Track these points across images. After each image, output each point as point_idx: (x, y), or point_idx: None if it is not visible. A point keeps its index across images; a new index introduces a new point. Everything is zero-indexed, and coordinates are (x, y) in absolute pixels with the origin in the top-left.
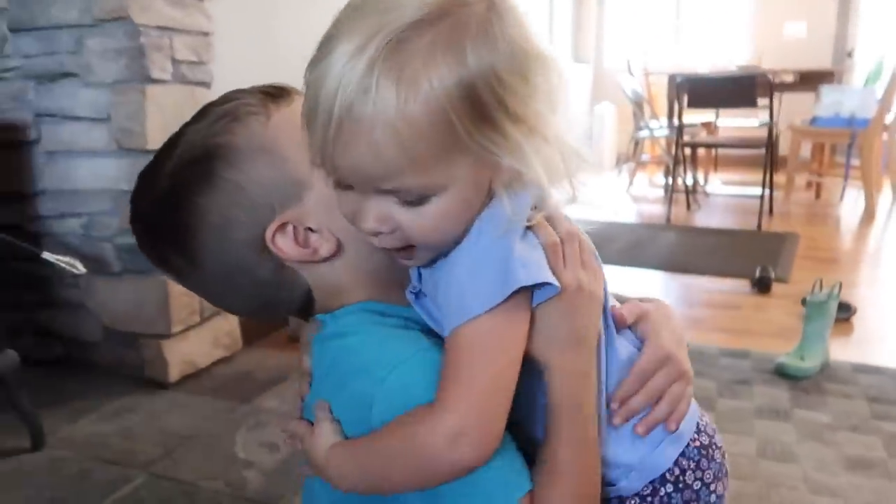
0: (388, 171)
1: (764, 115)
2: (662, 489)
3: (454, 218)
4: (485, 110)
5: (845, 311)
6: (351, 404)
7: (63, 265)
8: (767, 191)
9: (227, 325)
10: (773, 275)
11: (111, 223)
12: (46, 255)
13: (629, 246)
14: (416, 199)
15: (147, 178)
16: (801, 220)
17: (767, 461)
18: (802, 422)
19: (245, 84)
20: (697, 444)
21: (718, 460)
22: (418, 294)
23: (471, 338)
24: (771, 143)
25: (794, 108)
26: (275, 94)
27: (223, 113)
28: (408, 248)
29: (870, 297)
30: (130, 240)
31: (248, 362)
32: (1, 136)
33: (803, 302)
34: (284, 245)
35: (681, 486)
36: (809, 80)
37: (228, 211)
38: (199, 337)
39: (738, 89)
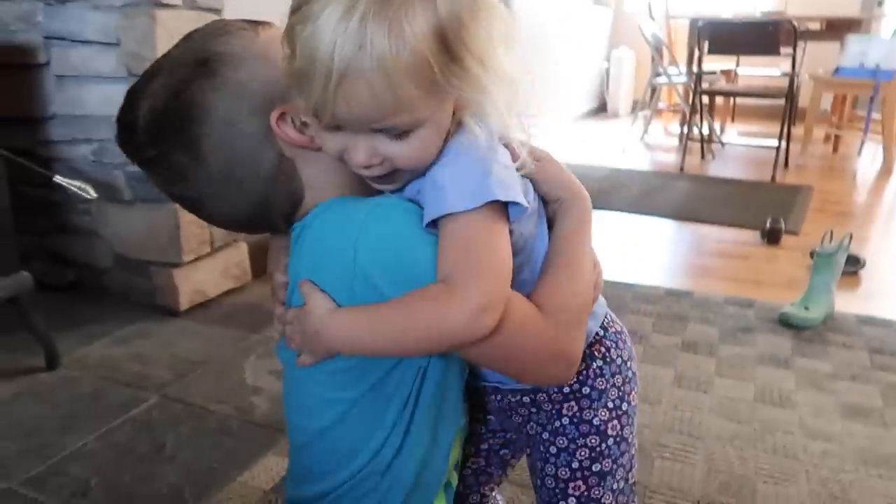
0: (383, 113)
1: (786, 65)
2: (594, 363)
3: (432, 144)
4: (452, 51)
5: (854, 264)
6: (334, 262)
7: (75, 189)
8: (784, 143)
9: (238, 257)
10: (783, 226)
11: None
12: (58, 179)
13: (641, 194)
14: (401, 133)
15: (138, 92)
16: (816, 173)
17: (765, 406)
18: (803, 370)
19: (257, 10)
20: (613, 329)
21: (629, 344)
22: None
23: (467, 227)
24: (791, 93)
25: (818, 58)
26: (255, 21)
27: (213, 29)
28: (390, 173)
29: (881, 252)
30: None
31: (257, 294)
32: (11, 57)
33: (812, 254)
34: (287, 129)
35: (608, 360)
36: (836, 29)
37: (233, 105)
38: (210, 267)
39: (761, 36)
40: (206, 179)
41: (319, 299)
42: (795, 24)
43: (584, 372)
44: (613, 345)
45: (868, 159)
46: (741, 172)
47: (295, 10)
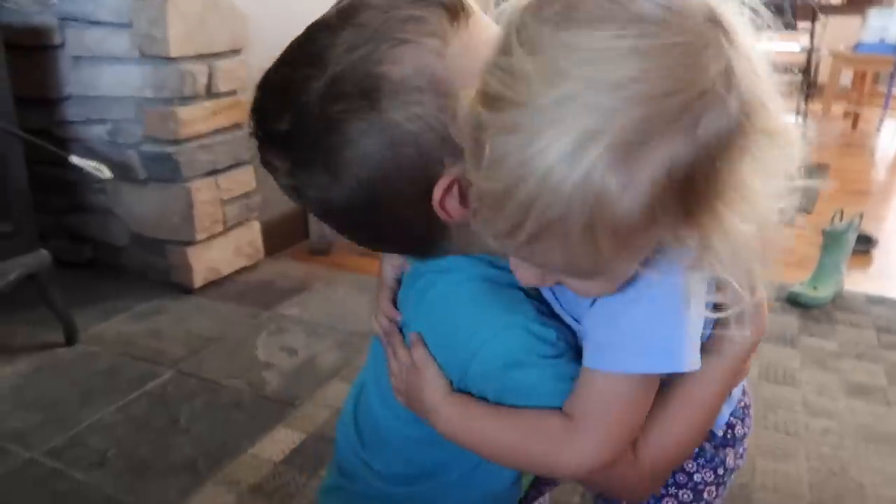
0: (574, 272)
1: (806, 39)
2: (715, 436)
3: (614, 286)
4: (689, 203)
5: (866, 243)
6: (448, 352)
7: (90, 169)
8: (801, 119)
9: (250, 235)
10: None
11: (136, 131)
12: (74, 159)
13: None
14: (588, 277)
15: (283, 92)
16: (834, 150)
17: (769, 384)
18: (809, 348)
19: None
20: (742, 404)
21: (750, 421)
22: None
23: (622, 385)
24: (809, 68)
25: (840, 33)
26: (451, 7)
27: (387, 28)
28: None
29: (894, 231)
30: (155, 148)
31: (269, 272)
32: (28, 39)
33: (824, 232)
34: (452, 207)
35: (729, 439)
36: (858, 3)
37: (392, 158)
38: (223, 245)
39: (778, 10)
40: (336, 211)
41: (435, 375)
42: None
43: (708, 453)
44: (739, 422)
45: (888, 136)
46: None
47: (489, 102)
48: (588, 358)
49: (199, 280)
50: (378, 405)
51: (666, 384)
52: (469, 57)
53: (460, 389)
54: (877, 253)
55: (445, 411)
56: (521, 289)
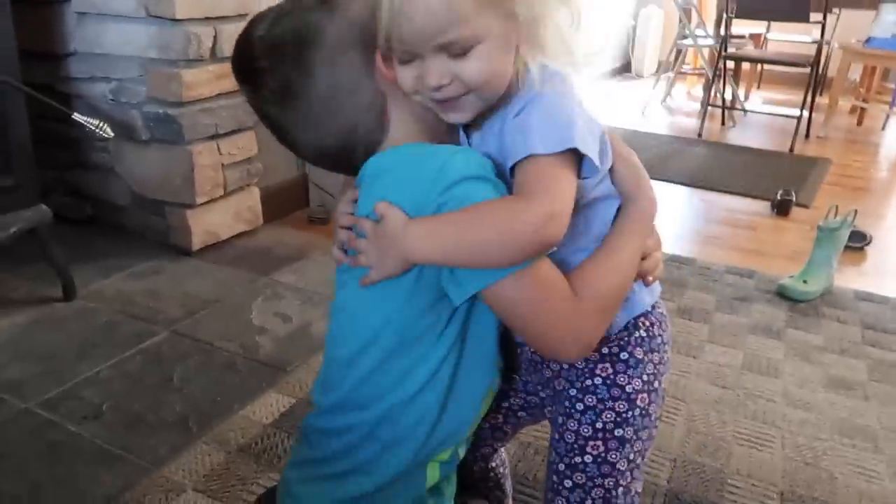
0: (441, 27)
1: (818, 31)
2: (636, 332)
3: (496, 62)
4: None
5: (859, 240)
6: (414, 188)
7: (92, 127)
8: (807, 113)
9: (250, 201)
10: (794, 198)
11: (139, 91)
12: (77, 116)
13: (656, 158)
14: (461, 51)
15: (259, 18)
16: (838, 145)
17: (752, 374)
18: (794, 341)
19: None
20: (660, 310)
21: (669, 330)
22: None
23: (543, 165)
24: (818, 62)
25: (853, 26)
26: None
27: None
28: (461, 98)
29: (893, 229)
30: (158, 109)
31: (267, 238)
32: None
33: (819, 227)
34: (388, 72)
35: (651, 335)
36: None
37: (346, 36)
38: (222, 210)
39: (791, 1)
40: (308, 98)
41: (397, 212)
42: None
43: (626, 339)
44: (658, 322)
45: (893, 134)
46: (761, 141)
47: None
48: (511, 158)
49: (197, 243)
50: (348, 338)
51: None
52: None
53: None
54: (870, 250)
55: (412, 229)
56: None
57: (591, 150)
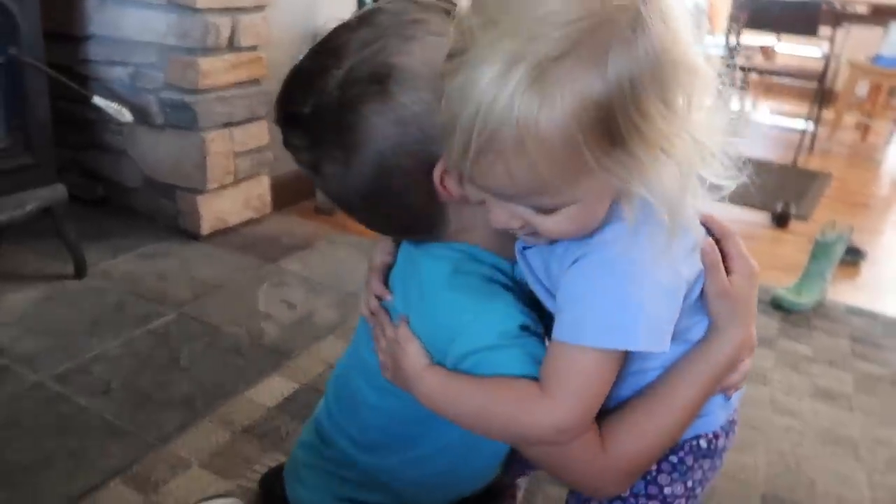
0: (521, 192)
1: (827, 45)
2: (696, 442)
3: (583, 221)
4: (615, 133)
5: (854, 255)
6: (430, 331)
7: (111, 111)
8: (812, 126)
9: (259, 189)
10: (793, 211)
11: (157, 77)
12: (97, 100)
13: None
14: (547, 210)
15: (306, 80)
16: (841, 160)
17: None
18: (784, 351)
19: None
20: (732, 417)
21: (733, 435)
22: (524, 249)
23: (583, 357)
24: (825, 76)
25: (862, 42)
26: (454, 13)
27: (398, 27)
28: (535, 236)
29: (888, 246)
30: (174, 96)
31: (275, 226)
32: None
33: (816, 241)
34: (450, 185)
35: (712, 447)
36: (882, 14)
37: (400, 136)
38: (232, 196)
39: (801, 15)
40: (349, 187)
41: (416, 351)
42: (838, 6)
43: (680, 443)
44: (724, 434)
45: None
46: (764, 152)
47: (448, 58)
48: (555, 330)
49: (206, 228)
50: (363, 383)
51: (650, 383)
52: None
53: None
54: (865, 265)
55: (427, 379)
56: (501, 283)
57: (657, 340)
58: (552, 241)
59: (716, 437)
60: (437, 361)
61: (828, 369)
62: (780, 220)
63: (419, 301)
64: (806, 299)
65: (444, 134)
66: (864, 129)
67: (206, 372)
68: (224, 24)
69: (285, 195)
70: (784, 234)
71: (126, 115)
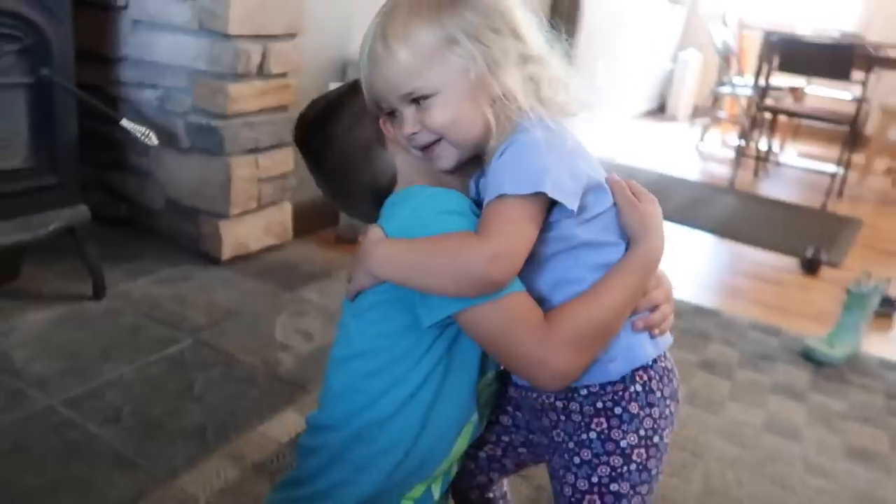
0: (398, 81)
1: (858, 89)
2: (632, 387)
3: (454, 111)
4: (453, 40)
5: (889, 306)
6: (395, 227)
7: (139, 134)
8: (841, 170)
9: (281, 216)
10: (823, 257)
11: (185, 100)
12: (125, 123)
13: (686, 204)
14: (424, 99)
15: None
16: (870, 206)
17: (771, 435)
18: (816, 406)
19: None
20: (662, 364)
21: (675, 385)
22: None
23: (506, 206)
24: (857, 120)
25: (894, 87)
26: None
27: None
28: (436, 146)
29: None
30: (202, 120)
31: (295, 254)
32: None
33: (848, 291)
34: (388, 127)
35: (648, 389)
36: None
37: (360, 106)
38: (254, 222)
39: (833, 59)
40: (332, 163)
41: (376, 231)
42: (871, 50)
43: (620, 393)
44: (657, 376)
45: None
46: (793, 195)
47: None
48: (486, 197)
49: (227, 252)
50: (335, 349)
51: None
52: None
53: None
54: None
55: (378, 248)
56: None
57: (563, 193)
58: (452, 165)
59: (648, 376)
60: None
61: (863, 427)
62: (811, 267)
63: (388, 205)
64: (839, 352)
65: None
66: (895, 176)
67: (220, 402)
68: (255, 50)
69: (307, 223)
70: (814, 282)
71: (153, 139)
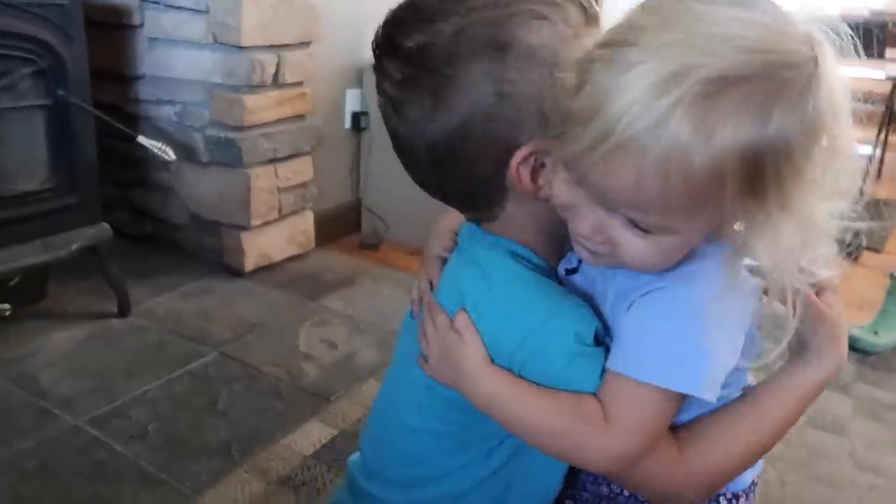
0: (638, 205)
1: (893, 67)
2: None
3: (668, 255)
4: (759, 181)
5: None
6: (497, 324)
7: (156, 150)
8: (878, 151)
9: (303, 225)
10: (864, 242)
11: (203, 115)
12: (142, 139)
13: None
14: (643, 230)
15: (423, 15)
16: None
17: (816, 431)
18: (862, 397)
19: None
20: (755, 479)
21: (757, 494)
22: (570, 271)
23: (645, 398)
24: (892, 100)
25: None
26: (589, 10)
27: (533, 3)
28: (606, 256)
29: None
30: (220, 133)
31: (318, 262)
32: (109, 17)
33: (891, 276)
34: (523, 174)
35: None
36: None
37: (495, 108)
38: (276, 232)
39: (867, 38)
40: (424, 135)
41: (477, 345)
42: None
43: None
44: (744, 496)
45: None
46: None
47: (605, 45)
48: (614, 360)
49: (250, 264)
50: (402, 405)
51: (739, 398)
52: (583, 51)
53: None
54: None
55: (487, 375)
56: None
57: (711, 390)
58: (615, 266)
59: (736, 497)
60: (497, 355)
61: None
62: (851, 253)
63: (487, 293)
64: (884, 339)
65: (573, 121)
66: None
67: (244, 416)
68: (269, 61)
69: (329, 231)
70: (855, 268)
71: (170, 154)
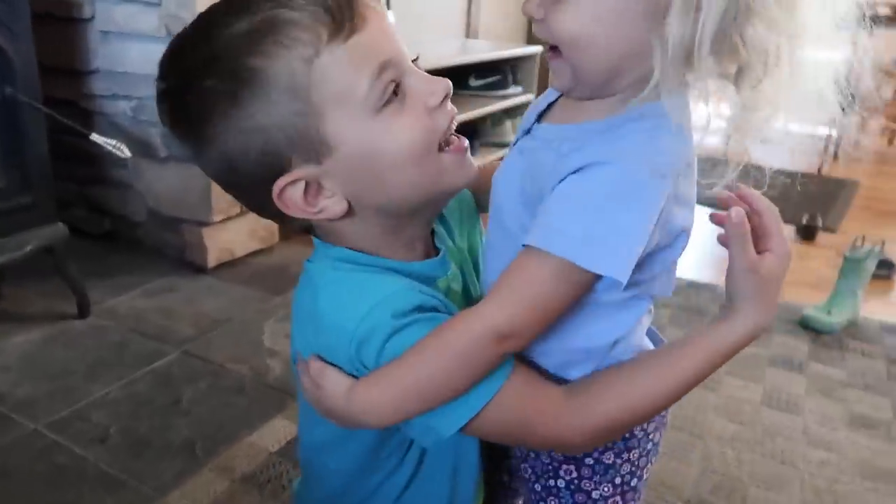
0: None
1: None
2: (614, 443)
3: (591, 28)
4: None
5: (887, 268)
6: (337, 349)
7: (109, 148)
8: (835, 132)
9: (265, 219)
10: (820, 223)
11: None
12: (95, 137)
13: None
14: None
15: (175, 54)
16: (867, 167)
17: (771, 410)
18: (815, 375)
19: None
20: (653, 435)
21: (662, 416)
22: (526, 132)
23: (540, 268)
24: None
25: (886, 45)
26: (337, 22)
27: (271, 26)
28: (555, 54)
29: None
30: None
31: (282, 257)
32: (56, 10)
33: (845, 256)
34: (291, 199)
35: (628, 437)
36: None
37: (243, 145)
38: (238, 227)
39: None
40: (206, 172)
41: (336, 378)
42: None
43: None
44: (653, 427)
45: None
46: (787, 161)
47: None
48: (533, 234)
49: (212, 260)
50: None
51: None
52: (335, 72)
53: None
54: None
55: (362, 397)
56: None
57: (621, 271)
58: (568, 86)
59: (628, 450)
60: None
61: (864, 394)
62: (807, 233)
63: (315, 310)
64: (837, 318)
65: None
66: (891, 134)
67: (208, 414)
68: None
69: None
70: (811, 248)
71: (125, 152)
